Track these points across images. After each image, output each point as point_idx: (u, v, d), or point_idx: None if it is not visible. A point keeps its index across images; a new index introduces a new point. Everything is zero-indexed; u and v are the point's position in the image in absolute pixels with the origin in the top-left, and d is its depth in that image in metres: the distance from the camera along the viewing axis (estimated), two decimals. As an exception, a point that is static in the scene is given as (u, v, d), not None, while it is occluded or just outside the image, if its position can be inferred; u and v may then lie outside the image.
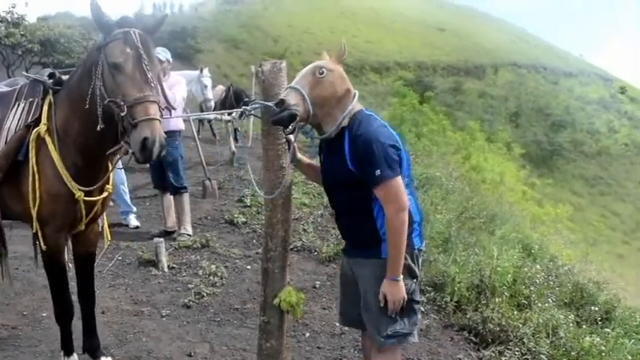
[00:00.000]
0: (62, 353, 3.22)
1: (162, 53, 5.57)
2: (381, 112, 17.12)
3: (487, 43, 56.33)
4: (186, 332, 3.98)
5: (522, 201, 23.35)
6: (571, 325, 4.35)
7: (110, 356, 3.46)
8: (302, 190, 7.79)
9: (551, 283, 5.35)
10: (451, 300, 4.59)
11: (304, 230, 6.38)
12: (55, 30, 15.12)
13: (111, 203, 4.88)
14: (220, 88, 13.49)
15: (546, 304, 4.60)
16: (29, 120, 2.88)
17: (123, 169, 6.02)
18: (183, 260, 5.38)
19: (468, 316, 4.33)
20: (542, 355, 3.83)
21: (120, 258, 5.34)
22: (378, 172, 2.30)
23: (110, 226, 3.58)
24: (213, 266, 5.14)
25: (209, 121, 11.80)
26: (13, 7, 14.72)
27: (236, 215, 6.77)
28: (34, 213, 2.82)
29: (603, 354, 3.89)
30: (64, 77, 2.98)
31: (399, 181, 2.35)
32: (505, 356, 3.84)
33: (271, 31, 44.35)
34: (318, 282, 5.06)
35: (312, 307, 4.49)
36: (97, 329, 3.41)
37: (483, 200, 9.72)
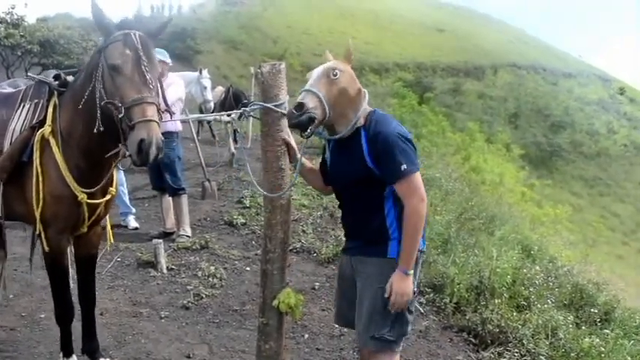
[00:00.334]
0: (61, 354, 3.21)
1: (159, 56, 5.56)
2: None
3: (486, 44, 56.33)
4: (185, 334, 3.98)
5: (522, 202, 23.35)
6: (570, 326, 4.35)
7: (109, 358, 3.46)
8: (301, 192, 7.78)
9: (551, 284, 5.35)
10: (450, 301, 4.59)
11: (303, 231, 6.37)
12: (55, 31, 15.10)
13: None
14: (220, 89, 13.48)
15: (546, 305, 4.60)
16: (34, 121, 2.88)
17: (122, 171, 6.01)
18: (183, 261, 5.37)
19: (467, 318, 4.33)
20: (541, 357, 3.82)
21: (119, 259, 5.34)
22: (403, 166, 2.35)
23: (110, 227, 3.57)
24: (212, 267, 5.14)
25: (208, 122, 11.79)
26: (13, 8, 14.73)
27: (235, 216, 6.77)
28: (37, 214, 2.82)
29: (603, 355, 3.89)
30: (70, 78, 2.97)
31: (419, 174, 2.42)
32: (504, 357, 3.84)
33: (270, 32, 44.33)
34: (317, 283, 5.06)
35: (311, 309, 4.49)
36: (96, 331, 3.40)
37: (483, 201, 9.72)
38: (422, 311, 4.50)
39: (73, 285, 3.28)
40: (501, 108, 45.41)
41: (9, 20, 14.55)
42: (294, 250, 5.76)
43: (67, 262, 3.07)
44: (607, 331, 4.58)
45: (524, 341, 3.97)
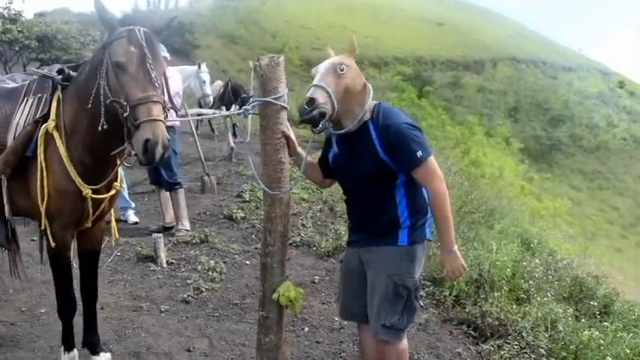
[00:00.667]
0: (62, 348, 3.21)
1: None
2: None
3: (486, 38, 56.21)
4: (185, 327, 3.98)
5: (521, 195, 23.38)
6: (570, 319, 4.36)
7: (109, 352, 3.46)
8: (301, 185, 7.77)
9: (550, 277, 5.36)
10: (450, 294, 4.59)
11: (303, 225, 6.37)
12: (53, 26, 15.02)
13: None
14: (219, 83, 13.45)
15: (545, 298, 4.60)
16: (38, 116, 2.86)
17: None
18: (182, 256, 5.37)
19: (467, 310, 4.34)
20: (540, 349, 3.83)
21: (119, 254, 5.34)
22: (419, 153, 2.42)
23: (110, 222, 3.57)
24: (212, 261, 5.14)
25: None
26: (10, 3, 14.64)
27: (235, 210, 6.76)
28: (42, 209, 2.81)
29: (602, 347, 3.90)
30: (73, 73, 2.95)
31: (433, 157, 2.49)
32: (504, 350, 3.84)
33: (269, 26, 44.22)
34: (317, 277, 5.06)
35: (311, 302, 4.49)
36: (97, 325, 3.40)
37: (482, 195, 9.73)
38: (421, 304, 4.51)
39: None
40: (501, 102, 45.37)
41: (6, 15, 14.46)
42: (294, 244, 5.77)
43: (70, 256, 3.07)
44: (606, 323, 4.58)
45: (523, 334, 3.98)
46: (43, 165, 2.78)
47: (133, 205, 6.73)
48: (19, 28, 14.13)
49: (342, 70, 2.47)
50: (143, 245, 5.45)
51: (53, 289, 4.32)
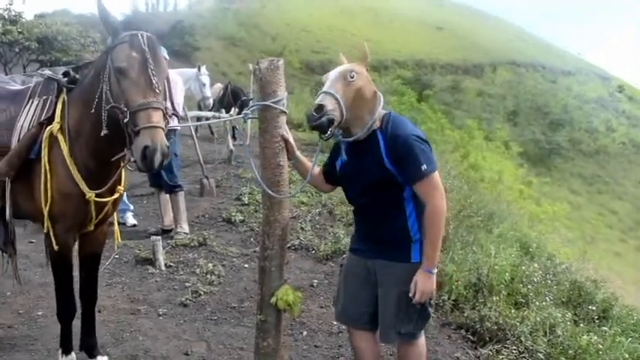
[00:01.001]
0: (60, 351, 3.20)
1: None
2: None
3: (485, 42, 56.30)
4: (183, 331, 3.97)
5: (520, 199, 23.34)
6: (568, 323, 4.34)
7: (107, 355, 3.45)
8: (300, 188, 7.75)
9: (549, 281, 5.35)
10: (449, 298, 4.58)
11: (302, 229, 6.37)
12: (53, 27, 15.00)
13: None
14: (218, 86, 13.46)
15: (544, 303, 4.59)
16: (42, 118, 2.85)
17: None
18: (181, 259, 5.37)
19: (465, 315, 4.33)
20: (539, 354, 3.82)
21: (117, 256, 5.33)
22: (424, 166, 2.41)
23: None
24: (210, 265, 5.13)
25: (207, 119, 11.79)
26: (11, 5, 14.63)
27: (234, 213, 6.76)
28: (45, 212, 2.80)
29: (601, 352, 3.89)
30: (79, 76, 2.95)
31: (437, 173, 2.48)
32: (502, 354, 3.83)
33: (269, 29, 44.25)
34: (315, 280, 5.05)
35: (310, 306, 4.48)
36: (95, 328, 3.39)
37: (481, 199, 9.70)
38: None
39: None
40: (500, 106, 45.41)
41: (6, 17, 14.45)
42: (293, 248, 5.76)
43: (72, 259, 3.06)
44: (605, 328, 4.57)
45: (522, 338, 3.97)
46: (47, 167, 2.78)
47: (132, 207, 6.72)
48: (19, 30, 14.11)
49: (351, 78, 2.47)
50: (141, 248, 5.44)
51: (51, 291, 4.32)
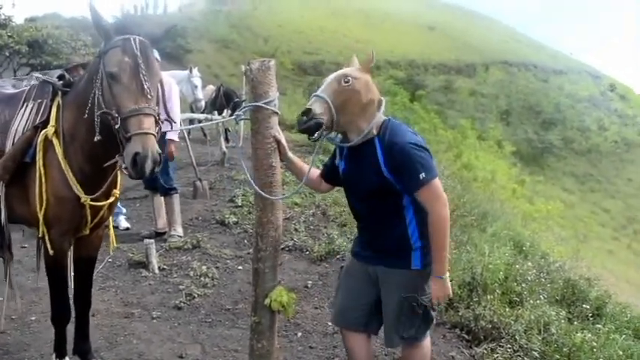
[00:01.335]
0: (54, 356, 3.17)
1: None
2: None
3: (477, 42, 56.50)
4: (178, 334, 3.96)
5: (513, 198, 23.44)
6: (562, 321, 4.36)
7: (100, 359, 3.43)
8: (293, 190, 7.75)
9: (543, 279, 5.36)
10: (443, 298, 4.58)
11: (296, 230, 6.36)
12: (43, 31, 14.92)
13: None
14: (210, 88, 13.44)
15: (538, 301, 4.61)
16: (37, 121, 2.83)
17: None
18: (174, 261, 5.35)
19: (460, 314, 4.33)
20: (533, 352, 3.83)
21: (110, 260, 5.30)
22: (422, 175, 2.38)
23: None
24: (204, 267, 5.11)
25: (199, 121, 11.77)
26: (0, 8, 14.57)
27: (227, 215, 6.74)
28: (40, 216, 2.77)
29: (594, 350, 3.90)
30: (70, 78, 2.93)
31: (438, 179, 2.45)
32: (497, 353, 3.84)
33: (261, 31, 44.23)
34: (309, 281, 5.04)
35: (304, 307, 4.47)
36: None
37: (475, 198, 9.73)
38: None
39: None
40: (493, 105, 45.61)
41: (-4, 21, 14.40)
42: (287, 249, 5.75)
43: (67, 263, 3.04)
44: (599, 326, 4.59)
45: (516, 337, 3.97)
46: (42, 171, 2.75)
47: (125, 210, 6.69)
48: (9, 33, 14.03)
49: (346, 82, 2.46)
50: (135, 251, 5.42)
51: (44, 296, 4.31)
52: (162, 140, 5.64)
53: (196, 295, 4.57)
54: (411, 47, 50.18)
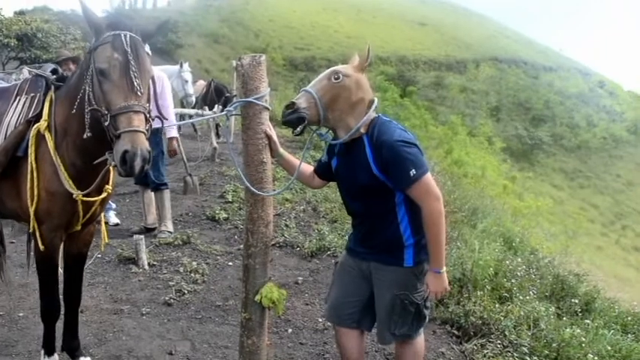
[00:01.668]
0: (43, 352, 3.14)
1: None
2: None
3: (468, 38, 56.69)
4: (167, 330, 3.94)
5: (503, 194, 23.58)
6: (552, 317, 4.38)
7: (89, 356, 3.40)
8: (284, 186, 7.74)
9: (532, 275, 5.39)
10: (433, 294, 4.59)
11: (286, 226, 6.35)
12: (32, 24, 14.81)
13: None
14: (201, 83, 13.38)
15: (527, 297, 4.63)
16: (30, 115, 2.79)
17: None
18: (164, 257, 5.32)
19: (450, 310, 4.34)
20: (523, 347, 3.85)
21: (99, 255, 5.26)
22: (412, 172, 2.35)
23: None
24: (194, 263, 5.09)
25: (190, 116, 11.72)
26: (-11, 2, 14.45)
27: (217, 211, 6.72)
28: (31, 211, 2.74)
29: (583, 345, 3.92)
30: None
31: (429, 175, 2.43)
32: (487, 349, 3.85)
33: (252, 25, 44.13)
34: (300, 278, 5.04)
35: (295, 303, 4.47)
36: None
37: (465, 194, 9.78)
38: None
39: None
40: (483, 101, 45.83)
41: (-15, 14, 14.27)
42: (277, 245, 5.74)
43: (58, 259, 3.00)
44: (588, 321, 4.62)
45: (506, 332, 3.99)
46: (34, 166, 2.72)
47: (114, 206, 6.65)
48: (-2, 27, 13.92)
49: (336, 79, 2.45)
50: (124, 247, 5.38)
51: (32, 292, 4.27)
52: (155, 137, 5.65)
53: (186, 292, 4.55)
54: (402, 43, 50.28)
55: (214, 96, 12.27)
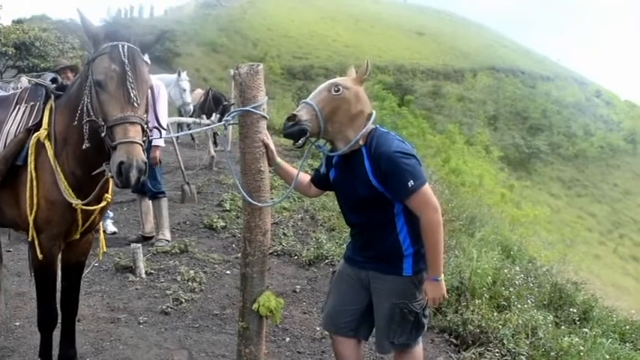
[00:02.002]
0: (38, 362, 3.13)
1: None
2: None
3: (466, 48, 56.94)
4: (165, 339, 3.92)
5: (501, 203, 23.59)
6: (550, 325, 4.38)
7: (86, 365, 3.39)
8: (282, 194, 7.74)
9: (531, 284, 5.38)
10: (432, 302, 4.58)
11: (284, 234, 6.34)
12: (30, 33, 14.81)
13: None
14: (199, 91, 13.40)
15: (525, 305, 4.62)
16: (30, 124, 2.80)
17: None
18: (162, 266, 5.30)
19: (448, 318, 4.34)
20: (521, 356, 3.84)
21: (96, 264, 5.24)
22: (411, 183, 2.36)
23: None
24: (191, 272, 5.08)
25: (188, 125, 11.73)
26: (-13, 11, 14.47)
27: (215, 220, 6.71)
28: (30, 220, 2.73)
29: (582, 354, 3.92)
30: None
31: (427, 186, 2.44)
32: (485, 357, 3.85)
33: (251, 34, 44.29)
34: (298, 286, 5.03)
35: (292, 312, 4.46)
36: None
37: (463, 203, 9.77)
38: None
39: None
40: (480, 110, 45.96)
41: (-17, 23, 14.28)
42: (275, 253, 5.73)
43: (56, 268, 2.99)
44: (586, 330, 4.61)
45: (504, 341, 3.98)
46: (34, 174, 2.72)
47: (112, 214, 6.64)
48: (-4, 36, 13.94)
49: (336, 91, 2.46)
50: (121, 255, 5.37)
51: (28, 301, 4.25)
52: (147, 146, 5.63)
53: (184, 300, 4.53)
54: (400, 52, 50.48)
55: (212, 105, 12.28)
